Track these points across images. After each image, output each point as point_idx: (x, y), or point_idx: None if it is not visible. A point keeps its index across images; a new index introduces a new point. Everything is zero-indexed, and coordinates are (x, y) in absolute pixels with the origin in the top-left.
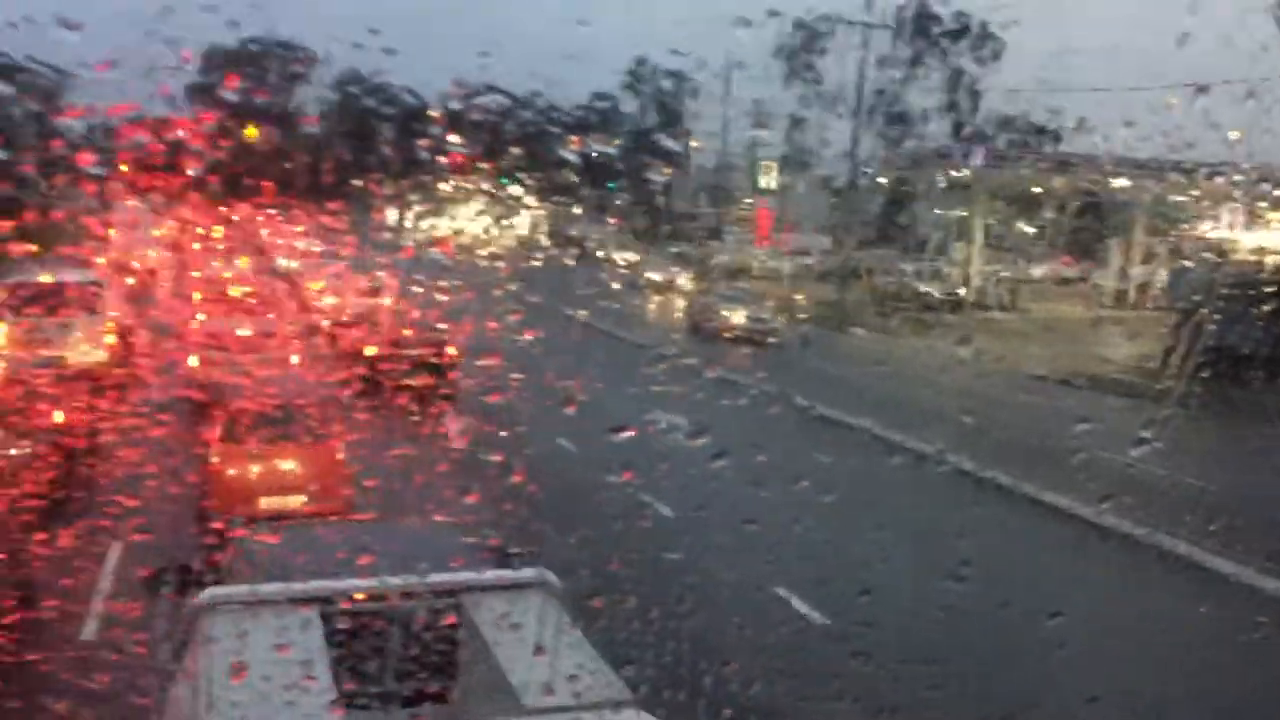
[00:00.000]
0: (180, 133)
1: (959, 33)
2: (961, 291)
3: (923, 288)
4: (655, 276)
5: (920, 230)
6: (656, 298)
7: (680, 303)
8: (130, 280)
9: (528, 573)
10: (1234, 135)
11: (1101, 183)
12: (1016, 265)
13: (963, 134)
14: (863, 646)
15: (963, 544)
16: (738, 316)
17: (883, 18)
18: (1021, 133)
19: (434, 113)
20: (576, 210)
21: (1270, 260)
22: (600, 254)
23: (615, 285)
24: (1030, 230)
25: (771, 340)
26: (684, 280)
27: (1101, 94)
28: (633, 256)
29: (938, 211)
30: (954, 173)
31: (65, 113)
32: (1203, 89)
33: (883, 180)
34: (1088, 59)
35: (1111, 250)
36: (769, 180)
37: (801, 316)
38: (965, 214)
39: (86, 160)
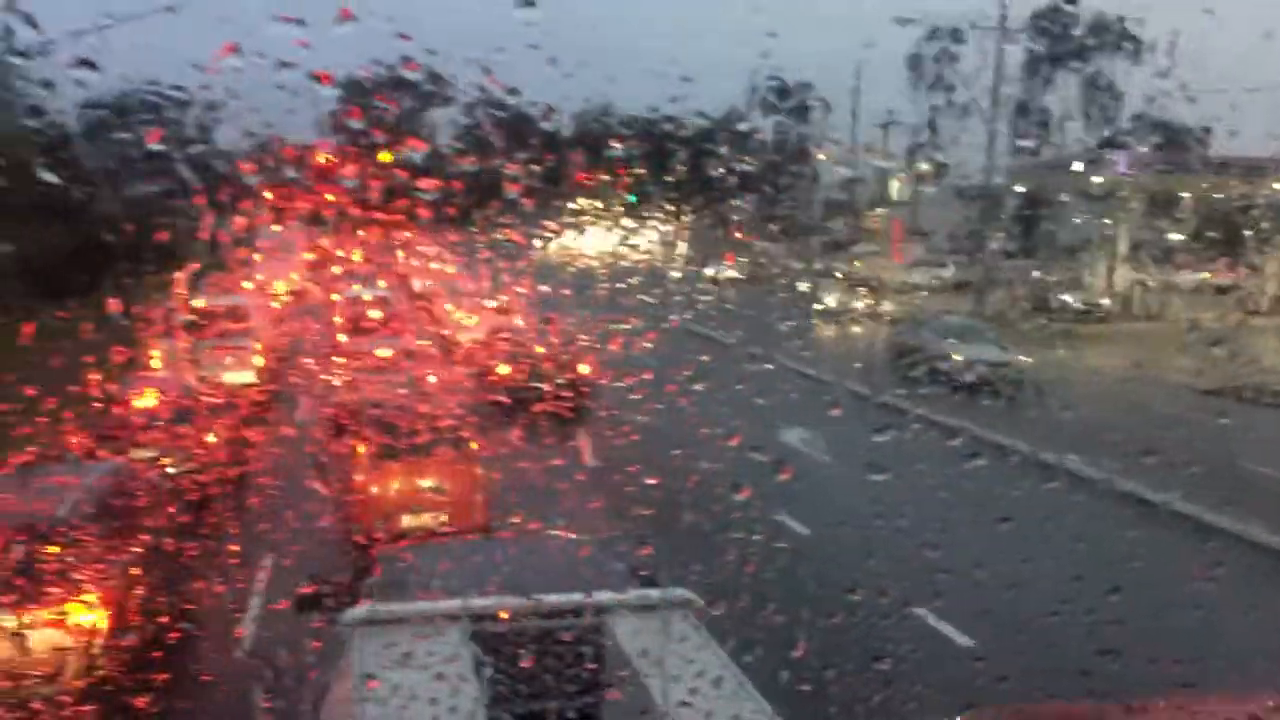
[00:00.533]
0: (321, 159)
1: (1097, 34)
2: (1105, 301)
3: (1066, 298)
4: (830, 300)
5: (1060, 239)
6: (835, 324)
7: (858, 329)
8: (276, 304)
9: (673, 593)
10: None
11: (1255, 185)
12: (1164, 273)
13: (1103, 139)
14: None
15: None
16: (964, 354)
17: (1017, 21)
18: (1167, 136)
19: (562, 133)
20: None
21: None
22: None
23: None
24: (1178, 237)
25: (1010, 386)
26: (861, 302)
27: (1252, 94)
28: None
29: (1077, 220)
30: (1095, 179)
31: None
32: None
33: (1020, 188)
34: (1233, 59)
35: (1268, 256)
36: (900, 191)
37: None
38: (1108, 221)
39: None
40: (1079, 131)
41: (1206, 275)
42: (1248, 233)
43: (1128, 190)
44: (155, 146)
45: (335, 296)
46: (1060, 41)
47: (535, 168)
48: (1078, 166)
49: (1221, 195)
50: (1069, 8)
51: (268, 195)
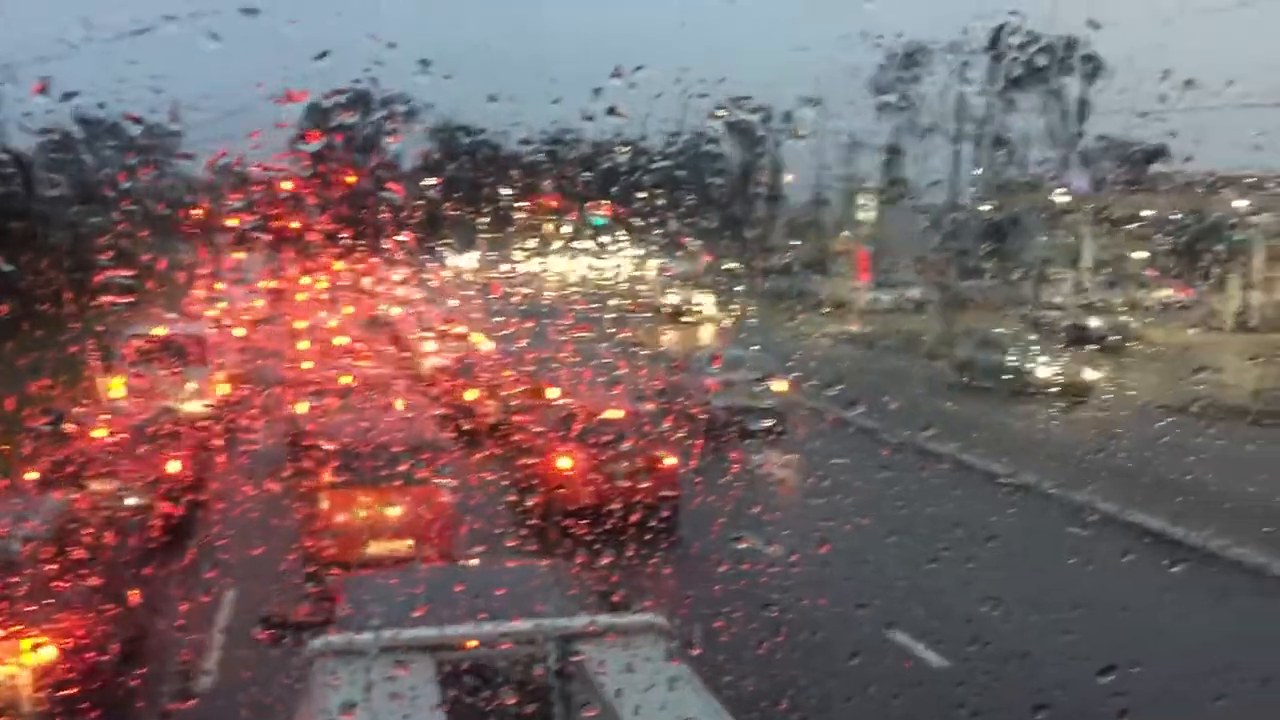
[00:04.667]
0: (285, 185)
1: (1058, 54)
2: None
3: (1034, 317)
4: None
5: (1024, 259)
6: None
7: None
8: (238, 331)
9: (641, 617)
10: None
11: (1215, 204)
12: (1127, 292)
13: (1065, 158)
14: None
15: None
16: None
17: (978, 43)
18: (1128, 154)
19: (525, 157)
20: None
21: None
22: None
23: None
24: (1141, 256)
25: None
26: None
27: (1213, 111)
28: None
29: (1043, 239)
30: (1058, 198)
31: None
32: None
33: (984, 208)
34: (1193, 76)
35: (1229, 274)
36: (865, 213)
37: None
38: (1071, 241)
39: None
40: (1042, 151)
41: (1170, 293)
42: (1211, 249)
43: (1090, 209)
44: (118, 175)
45: (299, 323)
46: (1021, 62)
47: (504, 191)
48: (1041, 186)
49: (1181, 214)
50: (1029, 29)
51: (231, 222)
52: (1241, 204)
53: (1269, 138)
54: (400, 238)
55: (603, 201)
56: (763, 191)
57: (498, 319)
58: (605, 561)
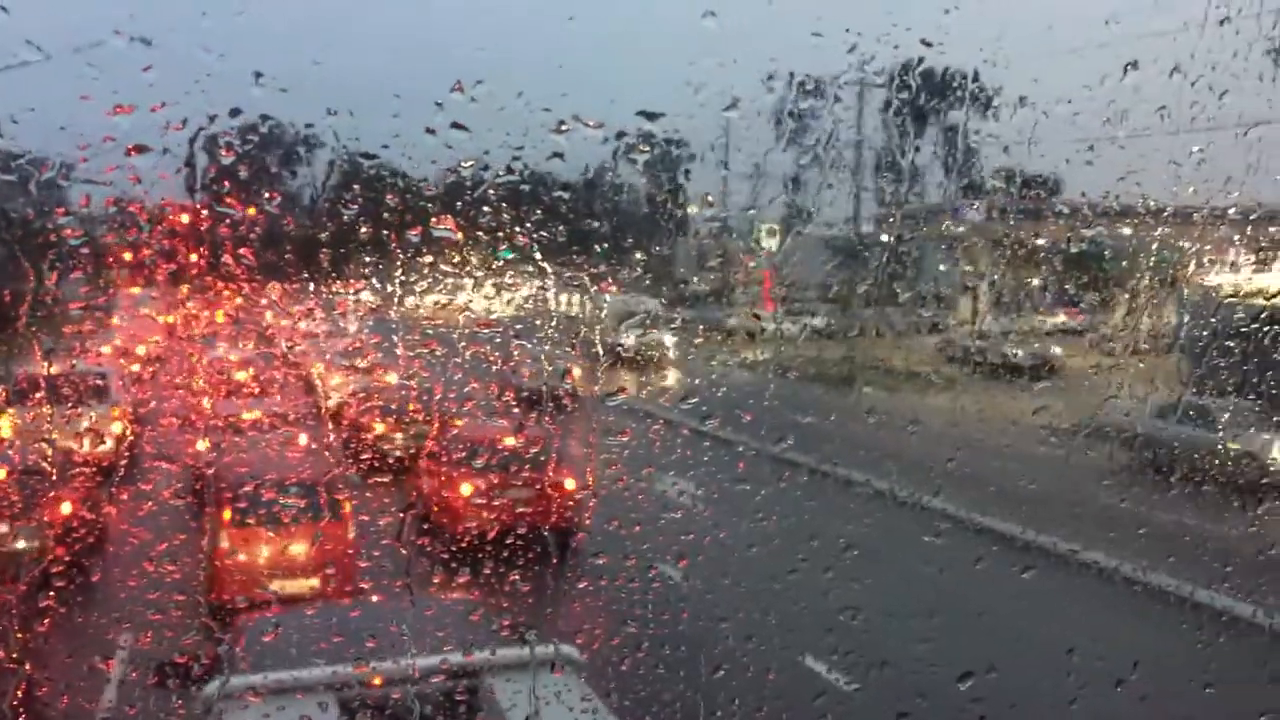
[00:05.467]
0: (183, 218)
1: (954, 88)
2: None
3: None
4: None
5: (922, 286)
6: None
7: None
8: (135, 368)
9: (549, 649)
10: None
11: (1103, 230)
12: (1022, 317)
13: (962, 188)
14: None
15: None
16: None
17: (875, 77)
18: (1022, 184)
19: (430, 189)
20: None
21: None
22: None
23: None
24: (1035, 282)
25: None
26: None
27: (1103, 142)
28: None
29: (942, 267)
30: (954, 227)
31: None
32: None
33: (885, 238)
34: (1086, 107)
35: (1116, 297)
36: (770, 242)
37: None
38: (969, 269)
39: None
40: (940, 182)
41: (1063, 318)
42: (1100, 275)
43: (986, 238)
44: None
45: (199, 359)
46: (918, 95)
47: (410, 221)
48: (940, 215)
49: (1072, 241)
50: (929, 64)
51: (126, 257)
52: (1127, 231)
53: (1149, 169)
54: (301, 269)
55: (512, 231)
56: (670, 222)
57: (404, 352)
58: (512, 591)
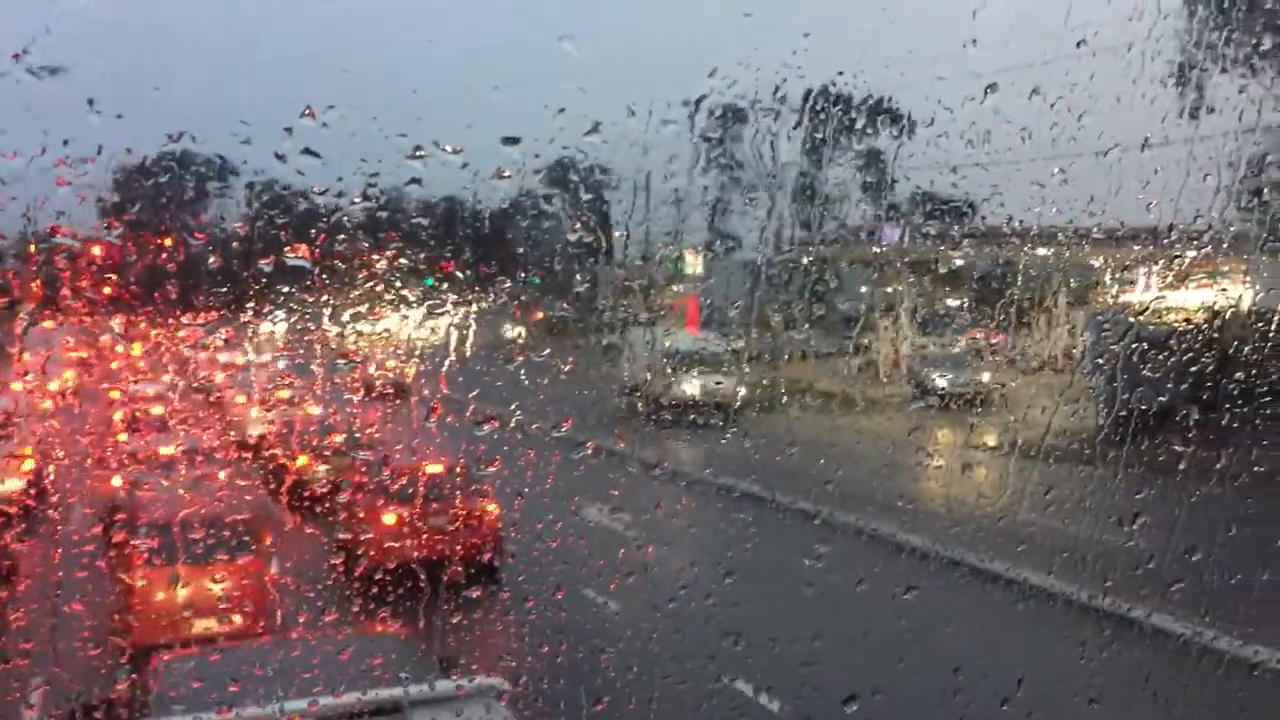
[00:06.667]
0: (95, 250)
1: (870, 113)
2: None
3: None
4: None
5: (841, 309)
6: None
7: None
8: (46, 404)
9: (477, 681)
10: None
11: (1019, 252)
12: (942, 338)
13: (879, 212)
14: None
15: None
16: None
17: (795, 102)
18: (938, 208)
19: (349, 217)
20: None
21: (1187, 317)
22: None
23: None
24: (953, 303)
25: None
26: None
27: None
28: None
29: (863, 289)
30: (874, 250)
31: None
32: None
33: (805, 261)
34: (1000, 134)
35: (1032, 318)
36: (692, 267)
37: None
38: (889, 291)
39: None
40: (858, 206)
41: (980, 337)
42: (1016, 295)
43: (904, 260)
44: None
45: (114, 394)
46: (836, 121)
47: (332, 250)
48: (859, 238)
49: (988, 262)
50: (848, 90)
51: (34, 287)
52: (1043, 252)
53: (1059, 192)
54: (222, 301)
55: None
56: (592, 248)
57: (325, 383)
58: (438, 623)
